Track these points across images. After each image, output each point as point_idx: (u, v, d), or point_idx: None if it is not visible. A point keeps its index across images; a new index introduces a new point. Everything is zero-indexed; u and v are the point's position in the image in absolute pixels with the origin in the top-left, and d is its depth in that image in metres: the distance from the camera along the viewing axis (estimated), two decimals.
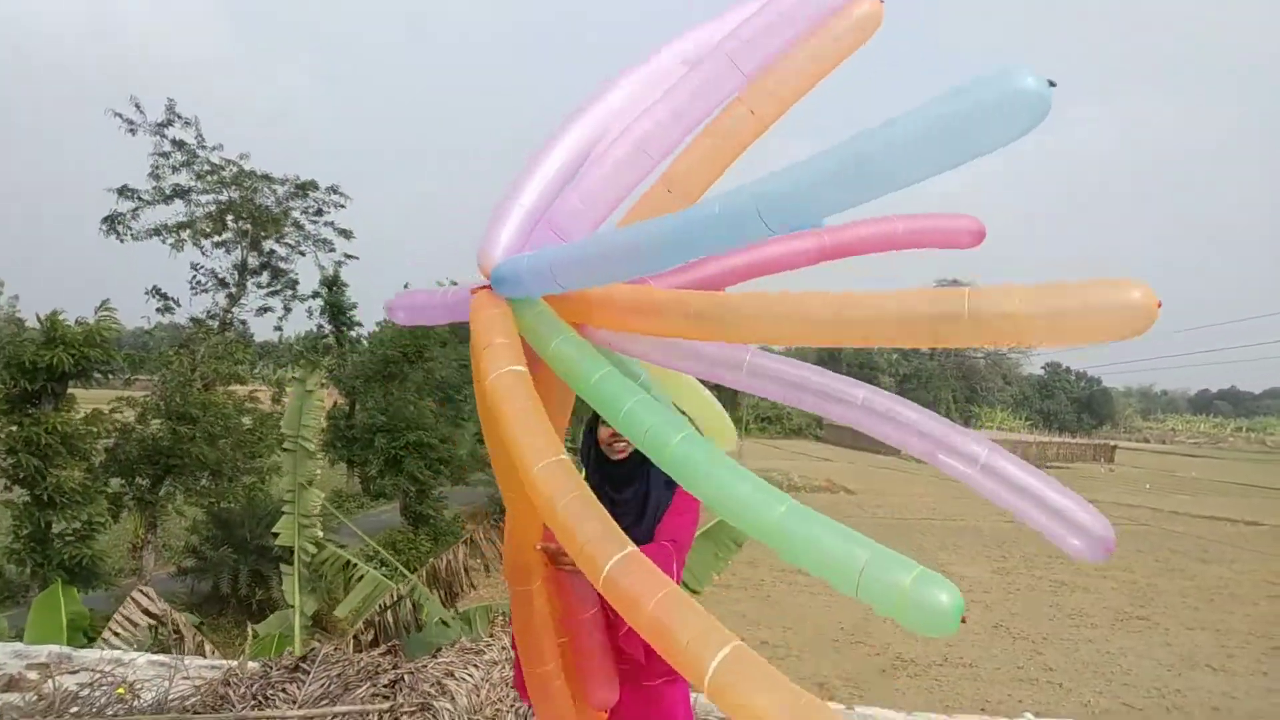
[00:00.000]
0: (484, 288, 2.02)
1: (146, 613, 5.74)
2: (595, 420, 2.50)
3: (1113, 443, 66.43)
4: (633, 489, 2.50)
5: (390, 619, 7.16)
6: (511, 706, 3.77)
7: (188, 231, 20.04)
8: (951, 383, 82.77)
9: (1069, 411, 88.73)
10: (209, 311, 21.08)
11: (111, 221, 19.58)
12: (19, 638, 6.66)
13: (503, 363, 1.80)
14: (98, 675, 4.08)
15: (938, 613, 1.23)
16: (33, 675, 4.17)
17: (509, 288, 1.96)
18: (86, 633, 7.33)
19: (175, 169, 19.70)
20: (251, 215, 20.78)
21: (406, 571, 8.04)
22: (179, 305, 20.67)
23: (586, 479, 2.45)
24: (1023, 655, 13.88)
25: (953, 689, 12.58)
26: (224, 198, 20.44)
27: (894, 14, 1.92)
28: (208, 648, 6.47)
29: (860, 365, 79.26)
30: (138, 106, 19.04)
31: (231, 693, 3.69)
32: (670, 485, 2.53)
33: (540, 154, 2.10)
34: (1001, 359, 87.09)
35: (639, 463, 2.48)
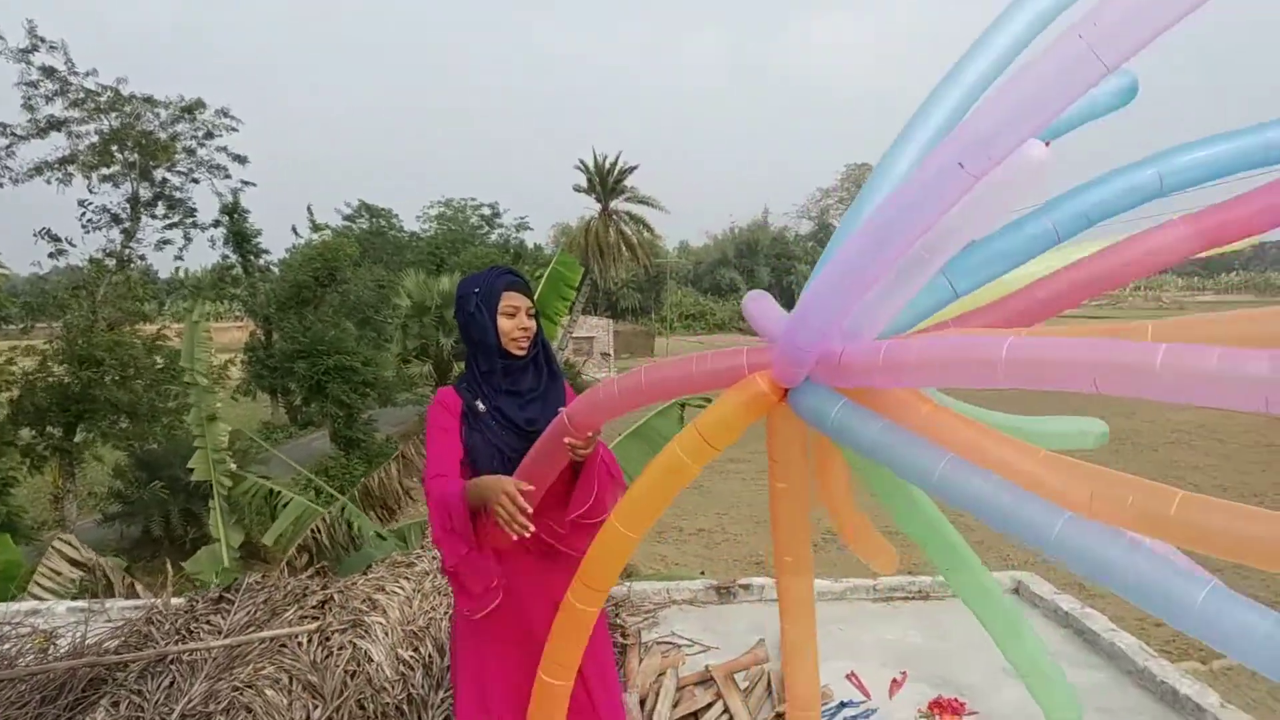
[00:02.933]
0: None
1: (72, 562, 5.61)
2: (490, 313, 2.38)
3: None
4: (535, 378, 2.44)
5: (325, 541, 7.16)
6: (446, 613, 3.82)
7: (73, 165, 18.93)
8: None
9: None
10: (105, 250, 20.12)
11: None
12: None
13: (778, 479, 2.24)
14: (9, 627, 4.00)
15: None
16: None
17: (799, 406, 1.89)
18: (19, 584, 7.16)
19: (48, 99, 18.44)
20: (138, 143, 19.66)
21: (335, 493, 8.01)
22: (73, 246, 19.64)
23: (480, 378, 2.40)
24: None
25: None
26: (104, 126, 19.27)
27: None
28: (139, 590, 6.39)
29: (778, 255, 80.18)
30: None
31: (154, 630, 3.66)
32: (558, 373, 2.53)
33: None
34: None
35: (535, 354, 2.44)
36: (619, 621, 4.34)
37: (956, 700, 3.80)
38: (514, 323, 2.38)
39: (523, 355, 2.40)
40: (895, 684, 3.98)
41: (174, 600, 4.21)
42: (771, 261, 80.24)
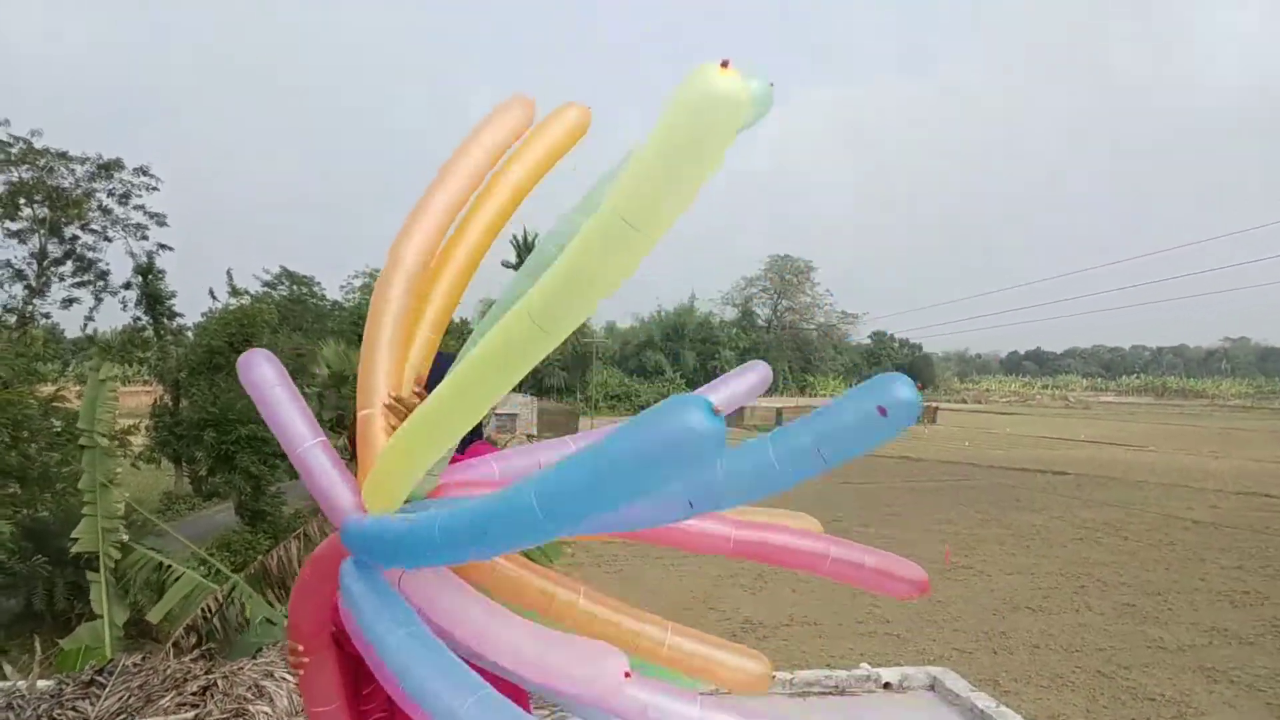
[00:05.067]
0: None
1: None
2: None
3: (935, 404, 70.85)
4: None
5: (216, 622, 6.75)
6: None
7: None
8: (787, 354, 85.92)
9: None
10: (5, 306, 19.28)
11: None
12: None
13: None
14: None
15: None
16: None
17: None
18: None
19: None
20: (48, 198, 19.05)
21: (227, 571, 7.59)
22: None
23: None
24: (861, 611, 14.51)
25: (799, 647, 13.05)
26: (14, 178, 18.64)
27: None
28: (5, 669, 5.91)
29: (703, 340, 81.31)
30: None
31: (13, 716, 3.34)
32: None
33: None
34: (832, 329, 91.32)
35: None
36: None
37: None
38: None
39: None
40: None
41: (41, 683, 3.88)
42: (697, 346, 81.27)
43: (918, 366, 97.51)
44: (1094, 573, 16.80)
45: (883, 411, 1.41)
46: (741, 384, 2.54)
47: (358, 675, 2.26)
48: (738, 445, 1.54)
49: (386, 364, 1.97)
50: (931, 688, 5.08)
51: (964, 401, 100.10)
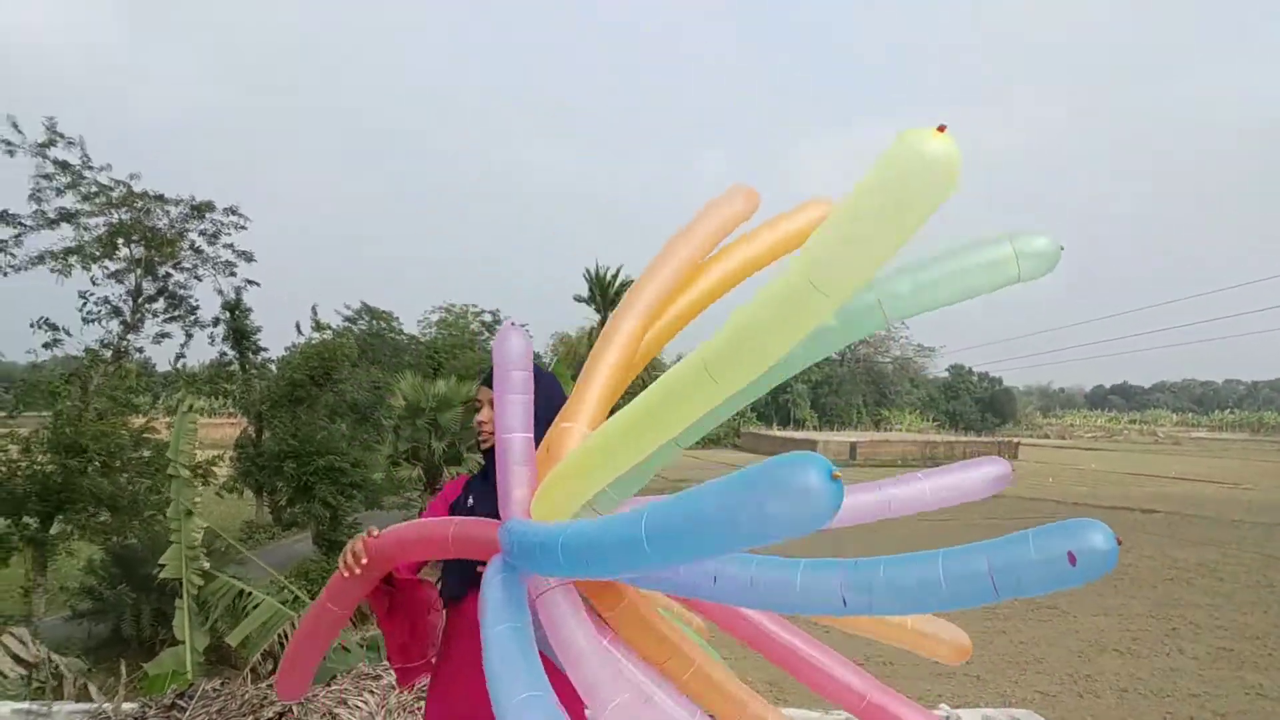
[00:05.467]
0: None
1: (16, 658, 5.34)
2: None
3: (1016, 439, 68.79)
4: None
5: None
6: None
7: (75, 257, 19.09)
8: (862, 387, 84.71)
9: (973, 411, 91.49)
10: (103, 341, 20.15)
11: None
12: None
13: None
14: None
15: None
16: None
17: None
18: None
19: (59, 191, 18.77)
20: (144, 238, 19.95)
21: (305, 598, 7.74)
22: (69, 335, 19.64)
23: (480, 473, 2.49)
24: None
25: None
26: (114, 220, 19.58)
27: None
28: (91, 691, 6.09)
29: None
30: (15, 126, 18.06)
31: None
32: None
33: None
34: (908, 363, 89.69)
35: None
36: None
37: None
38: (478, 416, 2.41)
39: (488, 448, 2.39)
40: None
41: (126, 705, 3.99)
42: None
43: (998, 400, 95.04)
44: (1187, 615, 16.06)
45: (1072, 559, 1.36)
46: (973, 475, 2.52)
47: (391, 608, 2.42)
48: (906, 555, 1.53)
49: (600, 390, 2.08)
50: None
51: (1046, 437, 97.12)
